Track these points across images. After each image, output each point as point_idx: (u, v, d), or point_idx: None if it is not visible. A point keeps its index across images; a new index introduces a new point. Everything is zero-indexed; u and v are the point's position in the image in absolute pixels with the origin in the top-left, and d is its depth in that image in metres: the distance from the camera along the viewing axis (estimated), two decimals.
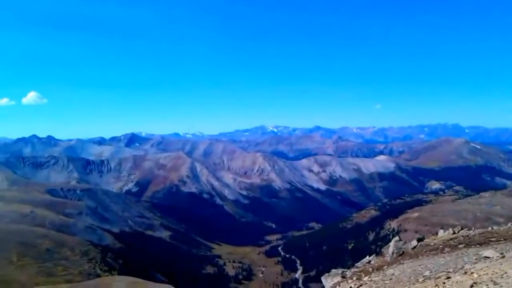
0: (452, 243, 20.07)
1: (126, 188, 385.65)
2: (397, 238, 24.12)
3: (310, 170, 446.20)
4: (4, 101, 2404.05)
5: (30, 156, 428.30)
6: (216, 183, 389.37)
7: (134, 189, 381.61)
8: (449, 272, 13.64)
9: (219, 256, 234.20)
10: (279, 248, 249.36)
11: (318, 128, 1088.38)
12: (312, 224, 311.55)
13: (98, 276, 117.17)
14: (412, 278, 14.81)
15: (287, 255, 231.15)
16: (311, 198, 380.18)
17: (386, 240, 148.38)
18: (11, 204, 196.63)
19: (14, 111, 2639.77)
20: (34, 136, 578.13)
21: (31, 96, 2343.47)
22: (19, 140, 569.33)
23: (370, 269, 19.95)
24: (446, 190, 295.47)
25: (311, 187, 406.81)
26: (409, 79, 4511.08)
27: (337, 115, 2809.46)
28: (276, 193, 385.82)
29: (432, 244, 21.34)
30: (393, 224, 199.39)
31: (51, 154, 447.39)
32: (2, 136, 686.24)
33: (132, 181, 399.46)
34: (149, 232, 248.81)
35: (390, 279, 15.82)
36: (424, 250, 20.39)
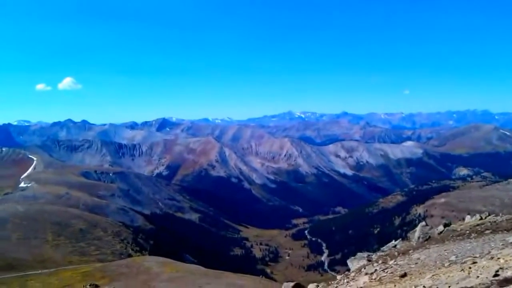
0: (479, 229, 19.98)
1: (157, 171, 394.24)
2: (423, 223, 24.19)
3: (337, 156, 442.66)
4: (41, 86, 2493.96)
5: (65, 140, 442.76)
6: (244, 168, 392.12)
7: (165, 173, 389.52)
8: (475, 257, 13.68)
9: (247, 239, 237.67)
10: (306, 232, 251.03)
11: (345, 113, 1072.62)
12: (339, 208, 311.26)
13: (130, 256, 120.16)
14: (437, 262, 14.91)
15: (313, 239, 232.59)
16: (337, 183, 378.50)
17: (412, 225, 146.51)
18: (46, 186, 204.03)
19: (50, 96, 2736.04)
20: (69, 120, 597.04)
21: (67, 82, 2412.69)
22: (55, 124, 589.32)
23: (396, 253, 20.15)
24: (474, 177, 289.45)
25: (338, 172, 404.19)
26: (438, 65, 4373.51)
27: (365, 101, 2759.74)
28: (303, 177, 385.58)
29: (458, 229, 21.28)
30: (419, 209, 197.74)
31: (85, 138, 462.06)
32: (39, 120, 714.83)
33: (162, 165, 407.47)
34: (179, 214, 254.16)
35: (416, 263, 15.99)
36: (451, 235, 20.39)
